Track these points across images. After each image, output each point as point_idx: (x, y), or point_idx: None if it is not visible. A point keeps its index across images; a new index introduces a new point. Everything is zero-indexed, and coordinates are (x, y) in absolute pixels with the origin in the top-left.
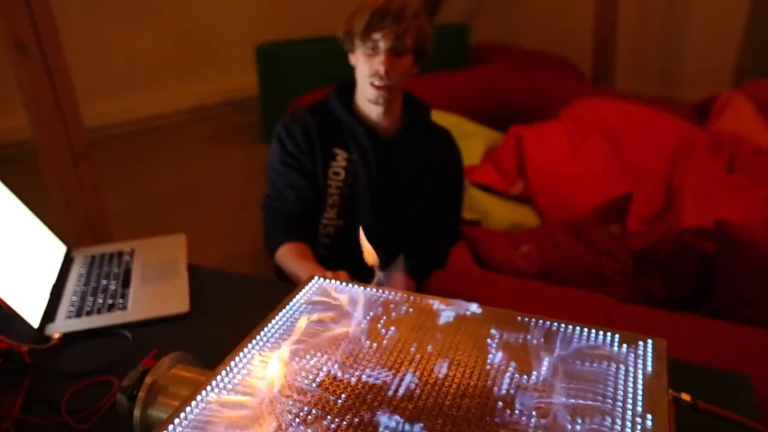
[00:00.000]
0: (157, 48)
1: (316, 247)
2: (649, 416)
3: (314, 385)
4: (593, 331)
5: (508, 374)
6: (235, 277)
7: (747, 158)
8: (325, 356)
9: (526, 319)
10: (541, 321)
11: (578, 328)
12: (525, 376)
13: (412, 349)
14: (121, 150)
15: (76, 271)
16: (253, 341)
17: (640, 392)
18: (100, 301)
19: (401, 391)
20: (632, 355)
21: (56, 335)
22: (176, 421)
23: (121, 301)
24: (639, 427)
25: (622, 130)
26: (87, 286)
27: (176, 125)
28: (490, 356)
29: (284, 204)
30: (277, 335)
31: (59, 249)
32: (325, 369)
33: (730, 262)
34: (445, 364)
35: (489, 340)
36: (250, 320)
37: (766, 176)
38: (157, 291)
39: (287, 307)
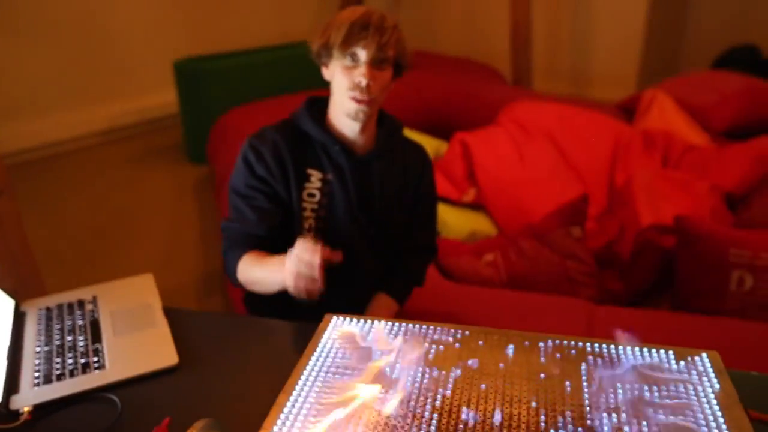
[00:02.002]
0: (67, 67)
1: None
2: None
3: None
4: (645, 349)
5: (573, 410)
6: (215, 318)
7: (679, 154)
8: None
9: (572, 342)
10: (588, 344)
11: (629, 348)
12: (596, 408)
13: (468, 392)
14: (35, 178)
15: (32, 327)
16: (290, 402)
17: (719, 415)
18: (71, 361)
19: None
20: (694, 372)
21: (26, 409)
22: None
23: (96, 359)
24: None
25: (561, 132)
26: (50, 345)
27: (91, 148)
28: (543, 390)
29: (245, 225)
30: (314, 392)
31: (6, 304)
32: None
33: (690, 256)
34: (503, 403)
35: (542, 374)
36: (249, 366)
37: (700, 170)
38: (137, 343)
39: (314, 358)
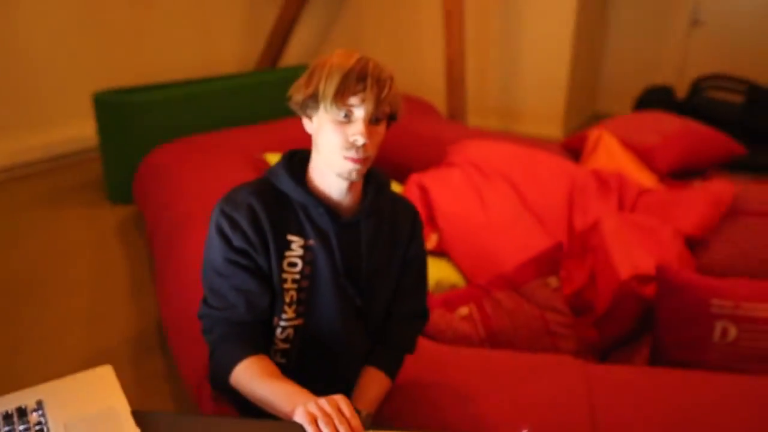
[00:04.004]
0: None
1: (273, 355)
2: None
3: None
4: None
5: None
6: (197, 423)
7: (634, 197)
8: None
9: None
10: None
11: None
12: None
13: None
14: None
15: None
16: None
17: None
18: None
19: None
20: None
21: None
22: None
23: None
24: None
25: (517, 173)
26: None
27: None
28: None
29: (232, 313)
30: None
31: None
32: None
33: (671, 306)
34: None
35: None
36: None
37: (658, 213)
38: None
39: None
